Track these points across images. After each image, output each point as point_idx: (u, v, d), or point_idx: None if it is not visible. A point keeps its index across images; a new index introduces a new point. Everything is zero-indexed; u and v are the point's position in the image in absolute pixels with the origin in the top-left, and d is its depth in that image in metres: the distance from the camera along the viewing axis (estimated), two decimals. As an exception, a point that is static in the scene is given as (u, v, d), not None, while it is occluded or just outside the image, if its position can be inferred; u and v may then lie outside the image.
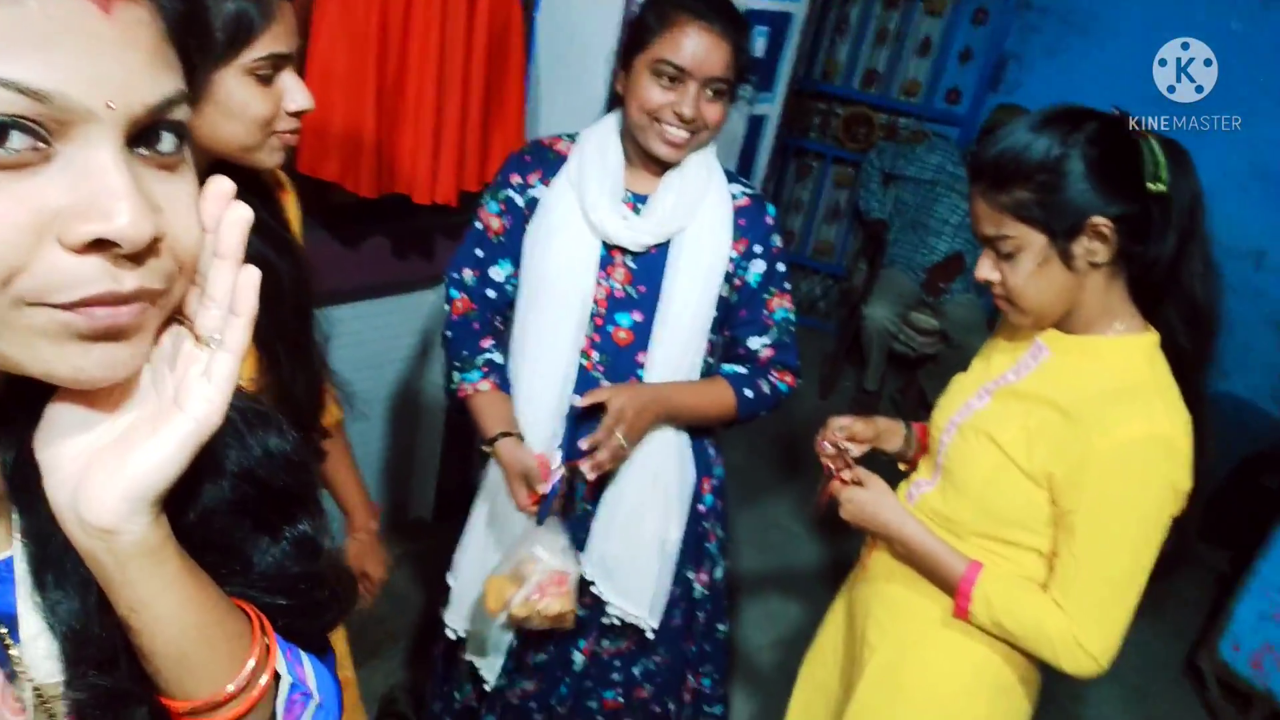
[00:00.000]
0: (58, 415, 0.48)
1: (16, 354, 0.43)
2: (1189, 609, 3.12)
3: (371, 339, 2.34)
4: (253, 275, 0.47)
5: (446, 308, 1.60)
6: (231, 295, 0.48)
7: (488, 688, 1.69)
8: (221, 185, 0.47)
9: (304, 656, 0.61)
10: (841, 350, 4.21)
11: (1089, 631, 1.19)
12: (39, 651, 0.52)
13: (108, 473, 0.46)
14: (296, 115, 1.08)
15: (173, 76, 0.45)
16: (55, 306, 0.42)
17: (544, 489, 1.48)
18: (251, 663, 0.54)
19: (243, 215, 0.47)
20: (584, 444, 1.48)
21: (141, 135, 0.44)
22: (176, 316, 0.50)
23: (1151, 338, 1.21)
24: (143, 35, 0.43)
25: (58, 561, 0.51)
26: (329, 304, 2.18)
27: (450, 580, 1.72)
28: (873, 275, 4.02)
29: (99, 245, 0.42)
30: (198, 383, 0.47)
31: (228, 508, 0.57)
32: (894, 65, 4.60)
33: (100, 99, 0.41)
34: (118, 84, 0.42)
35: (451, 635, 1.71)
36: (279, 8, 1.02)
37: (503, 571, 1.51)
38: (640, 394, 1.47)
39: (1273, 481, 3.10)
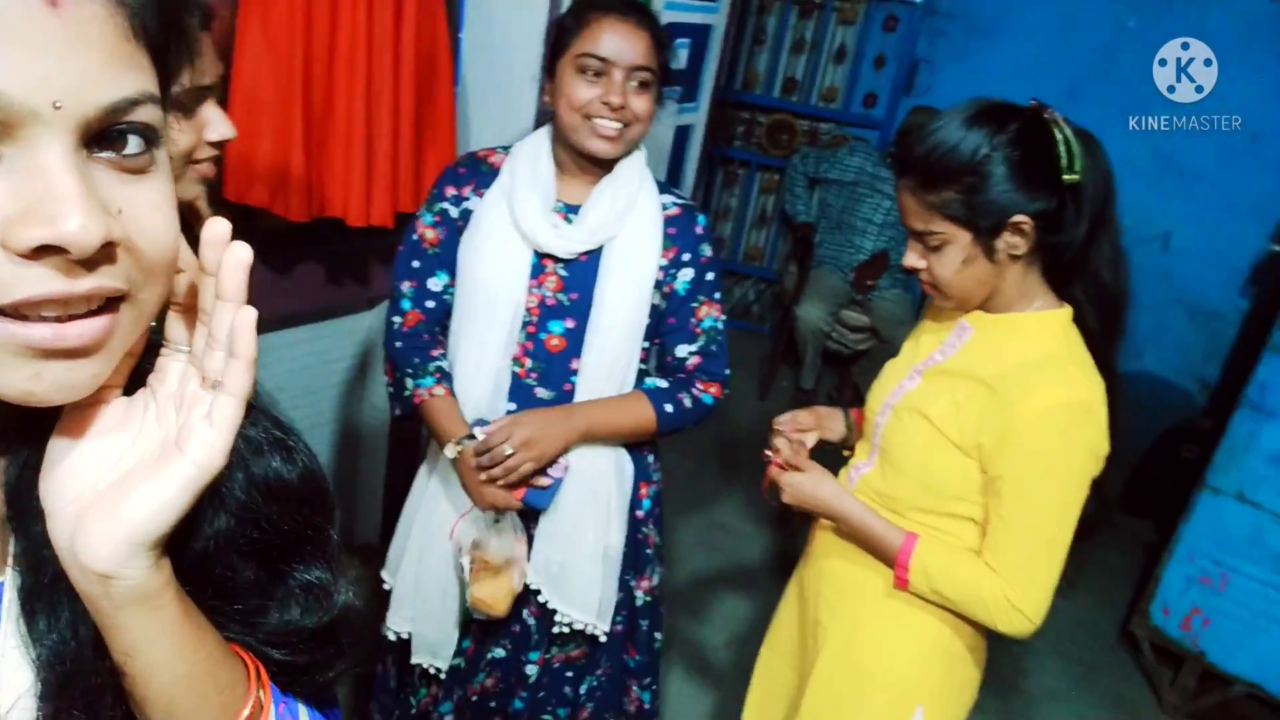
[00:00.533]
0: (59, 455, 0.47)
1: None
2: (1121, 579, 3.25)
3: (307, 364, 2.33)
4: (249, 316, 0.46)
5: (396, 320, 1.60)
6: (229, 337, 0.46)
7: (443, 676, 1.70)
8: (218, 229, 0.46)
9: (302, 711, 0.59)
10: (777, 352, 4.30)
11: (1020, 590, 1.25)
12: (13, 689, 0.50)
13: (105, 516, 0.45)
14: (217, 145, 1.09)
15: (136, 77, 0.43)
16: (4, 312, 0.40)
17: (551, 478, 1.54)
18: (245, 714, 0.53)
19: (242, 257, 0.46)
20: (475, 449, 1.50)
21: (103, 137, 0.42)
22: (184, 352, 0.49)
23: (1065, 312, 1.29)
24: (97, 32, 0.41)
25: (50, 591, 0.49)
26: (263, 331, 2.17)
27: (387, 578, 1.73)
28: (803, 277, 4.11)
29: (47, 250, 0.40)
30: (200, 425, 0.46)
31: (230, 546, 0.55)
32: (812, 73, 4.72)
33: (45, 99, 0.39)
34: (66, 83, 0.40)
35: (392, 636, 1.71)
36: (198, 40, 1.02)
37: (475, 581, 1.55)
38: (542, 417, 1.51)
39: (1190, 452, 3.25)
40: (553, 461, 1.54)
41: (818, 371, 4.09)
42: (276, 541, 0.57)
